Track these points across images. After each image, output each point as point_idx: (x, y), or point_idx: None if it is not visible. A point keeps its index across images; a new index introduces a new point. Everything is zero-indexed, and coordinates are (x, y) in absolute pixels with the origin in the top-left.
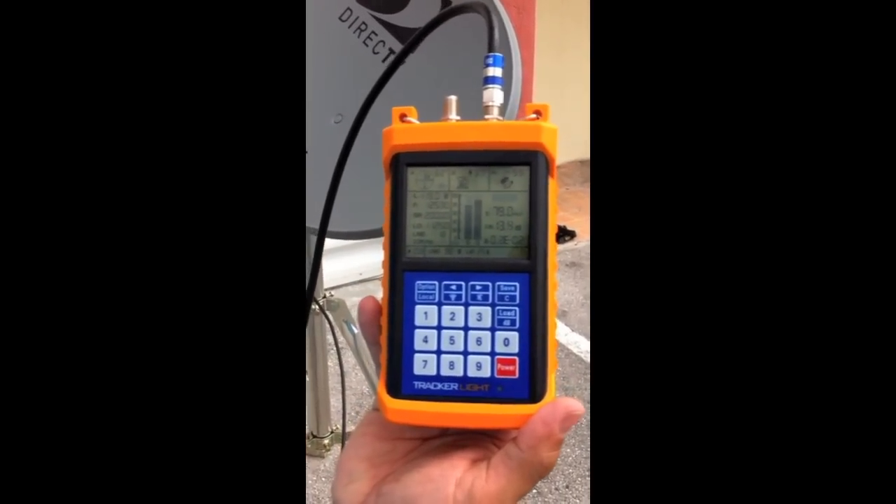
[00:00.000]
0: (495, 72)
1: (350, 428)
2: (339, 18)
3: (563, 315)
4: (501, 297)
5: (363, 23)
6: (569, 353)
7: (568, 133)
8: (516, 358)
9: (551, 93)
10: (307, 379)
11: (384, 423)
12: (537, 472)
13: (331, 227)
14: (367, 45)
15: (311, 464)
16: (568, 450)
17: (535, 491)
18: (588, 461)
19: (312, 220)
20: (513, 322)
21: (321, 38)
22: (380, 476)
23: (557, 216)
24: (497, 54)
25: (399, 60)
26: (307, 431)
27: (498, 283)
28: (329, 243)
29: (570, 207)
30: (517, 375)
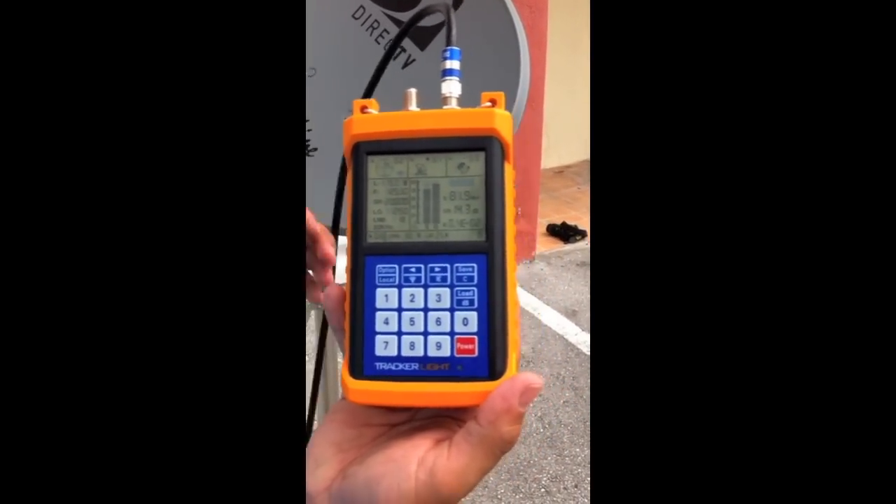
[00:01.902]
0: (453, 64)
1: None
2: (352, 16)
3: (573, 315)
4: (460, 278)
5: (375, 20)
6: (578, 353)
7: (579, 132)
8: (475, 337)
9: (563, 91)
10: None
11: (352, 410)
12: (499, 448)
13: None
14: (378, 43)
15: None
16: (577, 449)
17: (543, 490)
18: None
19: (321, 217)
20: (471, 302)
21: (334, 35)
22: (347, 461)
23: (515, 200)
24: (454, 48)
25: (381, 69)
26: (316, 426)
27: (456, 264)
28: (342, 240)
29: (581, 207)
30: (476, 354)
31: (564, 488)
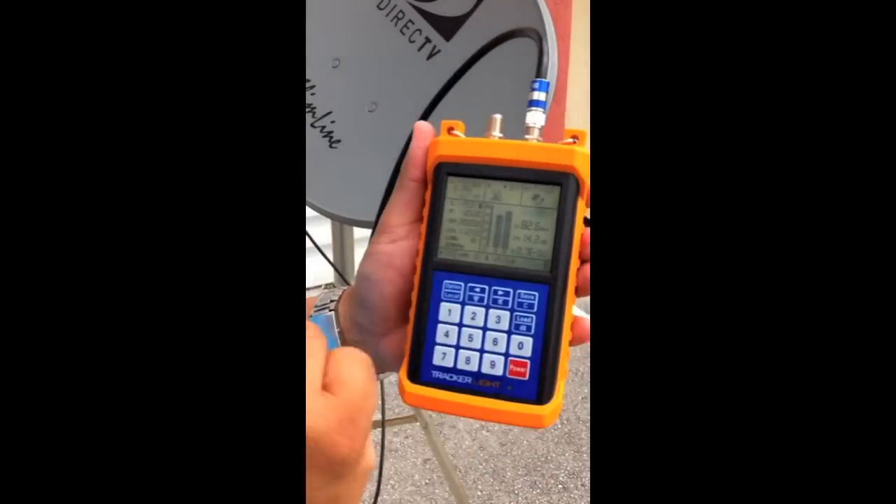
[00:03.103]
0: (540, 96)
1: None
2: (377, 7)
3: None
4: (520, 304)
5: (401, 11)
6: None
7: None
8: (528, 361)
9: (586, 84)
10: None
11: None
12: None
13: (357, 216)
14: (403, 34)
15: None
16: None
17: (560, 486)
18: None
19: (342, 209)
20: (528, 328)
21: (358, 26)
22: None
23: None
24: (544, 80)
25: (456, 78)
26: None
27: (519, 290)
28: (362, 232)
29: None
30: (527, 377)
31: (582, 485)
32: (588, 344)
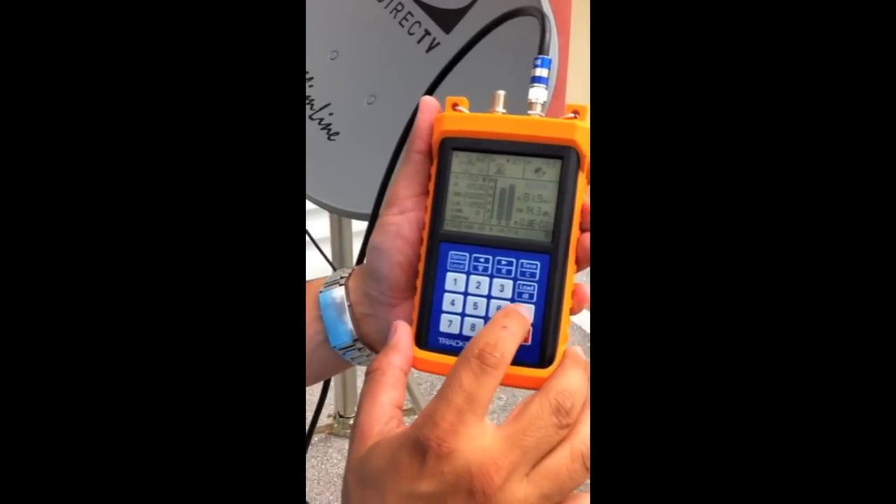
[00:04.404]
0: (542, 72)
1: None
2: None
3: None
4: (523, 273)
5: (400, 3)
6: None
7: None
8: (530, 327)
9: (584, 79)
10: None
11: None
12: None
13: (355, 209)
14: (402, 26)
15: (336, 443)
16: None
17: None
18: None
19: (340, 202)
20: (531, 296)
21: (358, 18)
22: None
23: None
24: (546, 57)
25: (457, 59)
26: (334, 411)
27: (521, 260)
28: (361, 225)
29: None
30: (530, 342)
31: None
32: (586, 339)
